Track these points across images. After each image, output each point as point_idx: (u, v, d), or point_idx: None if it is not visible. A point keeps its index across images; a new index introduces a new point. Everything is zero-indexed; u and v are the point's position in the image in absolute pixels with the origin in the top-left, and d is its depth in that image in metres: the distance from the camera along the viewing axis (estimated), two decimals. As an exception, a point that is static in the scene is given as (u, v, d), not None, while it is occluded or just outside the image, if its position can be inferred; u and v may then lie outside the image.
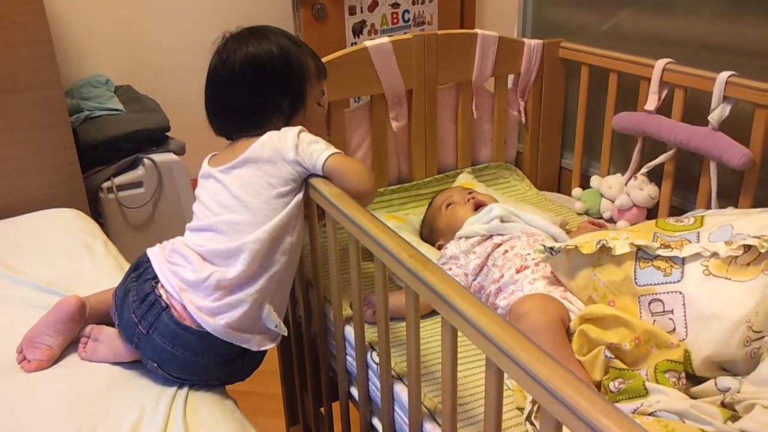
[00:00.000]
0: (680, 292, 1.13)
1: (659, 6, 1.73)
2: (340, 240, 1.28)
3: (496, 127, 1.97)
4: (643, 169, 1.74)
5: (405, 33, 2.00)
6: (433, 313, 1.40)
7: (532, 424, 1.08)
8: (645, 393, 1.04)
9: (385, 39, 1.71)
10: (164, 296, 1.22)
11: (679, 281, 1.14)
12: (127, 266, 1.59)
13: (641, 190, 1.74)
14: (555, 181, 2.10)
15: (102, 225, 1.97)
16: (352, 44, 2.74)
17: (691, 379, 1.13)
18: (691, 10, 1.67)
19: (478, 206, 1.58)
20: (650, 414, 1.00)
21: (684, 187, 1.69)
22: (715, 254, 1.13)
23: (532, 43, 1.89)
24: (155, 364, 1.22)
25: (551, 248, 1.26)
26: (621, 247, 1.19)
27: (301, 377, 1.69)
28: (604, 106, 1.83)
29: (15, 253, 1.64)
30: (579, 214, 1.88)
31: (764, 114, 1.44)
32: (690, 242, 1.18)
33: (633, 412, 1.02)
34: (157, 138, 2.22)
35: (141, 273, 1.27)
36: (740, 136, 1.48)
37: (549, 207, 1.90)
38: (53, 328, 1.29)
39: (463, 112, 1.90)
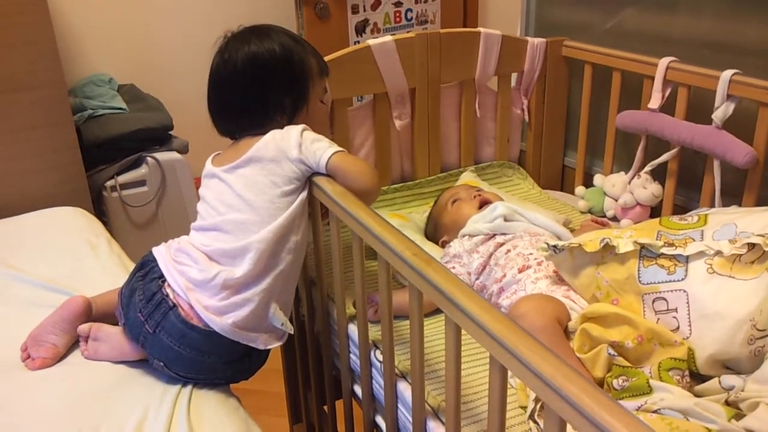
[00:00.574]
0: (684, 291, 1.13)
1: (662, 4, 1.73)
2: (343, 238, 1.28)
3: (499, 125, 1.97)
4: (647, 168, 1.73)
5: (408, 32, 2.00)
6: (436, 311, 1.40)
7: (535, 422, 1.08)
8: (649, 391, 1.04)
9: (388, 38, 1.71)
10: (171, 295, 1.22)
11: (682, 279, 1.14)
12: (130, 265, 1.59)
13: (645, 188, 1.74)
14: (558, 180, 2.10)
15: (105, 224, 1.98)
16: (354, 43, 2.74)
17: (695, 377, 1.13)
18: (694, 9, 1.66)
19: (483, 204, 1.58)
20: (654, 411, 1.00)
21: (687, 185, 1.69)
22: (719, 252, 1.13)
23: (535, 42, 1.89)
24: (162, 364, 1.22)
25: (555, 246, 1.26)
26: (624, 246, 1.19)
27: (304, 375, 1.69)
28: (608, 104, 1.83)
29: (18, 251, 1.65)
30: (582, 212, 1.88)
31: (768, 112, 1.44)
32: (694, 240, 1.18)
33: (637, 410, 1.02)
34: (160, 137, 2.22)
35: (147, 272, 1.27)
36: (744, 135, 1.48)
37: (552, 205, 1.89)
38: (59, 327, 1.29)
39: (466, 111, 1.90)
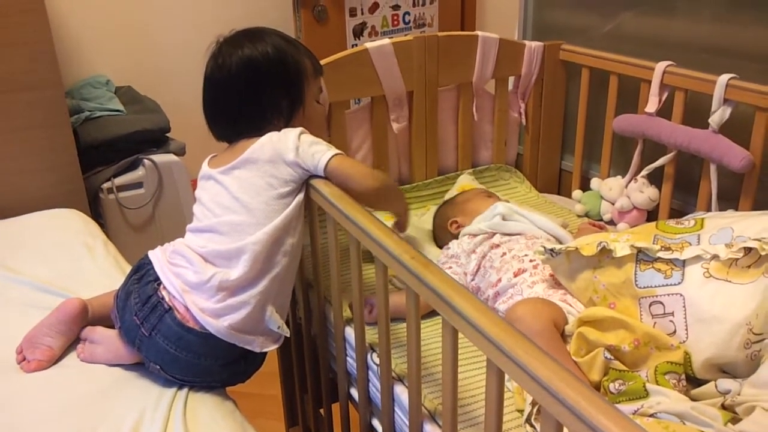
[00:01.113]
0: (681, 294, 1.14)
1: (660, 8, 1.74)
2: (340, 241, 1.28)
3: (497, 128, 1.97)
4: (644, 172, 1.74)
5: (405, 35, 2.01)
6: (432, 313, 1.40)
7: (531, 426, 1.08)
8: (645, 395, 1.04)
9: (386, 40, 1.71)
10: (167, 298, 1.22)
11: (679, 283, 1.14)
12: (127, 267, 1.59)
13: (641, 192, 1.74)
14: (555, 183, 2.10)
15: (102, 225, 1.97)
16: (352, 46, 2.74)
17: (692, 381, 1.13)
18: (691, 13, 1.67)
19: None
20: (651, 415, 1.00)
21: (684, 189, 1.70)
22: (715, 257, 1.13)
23: (532, 46, 1.90)
24: (158, 367, 1.22)
25: (551, 250, 1.26)
26: (621, 249, 1.19)
27: (300, 378, 1.69)
28: (605, 108, 1.83)
29: (15, 253, 1.64)
30: (579, 216, 1.88)
31: (764, 117, 1.44)
32: (690, 244, 1.18)
33: (633, 414, 1.02)
34: (157, 139, 2.22)
35: (143, 275, 1.27)
36: (740, 139, 1.48)
37: (549, 209, 1.90)
38: (55, 329, 1.29)
39: (464, 114, 1.90)
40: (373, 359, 1.27)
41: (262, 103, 1.30)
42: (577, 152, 1.96)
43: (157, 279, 1.24)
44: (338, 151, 1.27)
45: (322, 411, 1.60)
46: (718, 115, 1.51)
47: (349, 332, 1.35)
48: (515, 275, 1.35)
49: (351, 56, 1.68)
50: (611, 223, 1.82)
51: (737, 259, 1.11)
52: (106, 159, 2.13)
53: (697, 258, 1.14)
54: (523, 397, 1.15)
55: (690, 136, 1.57)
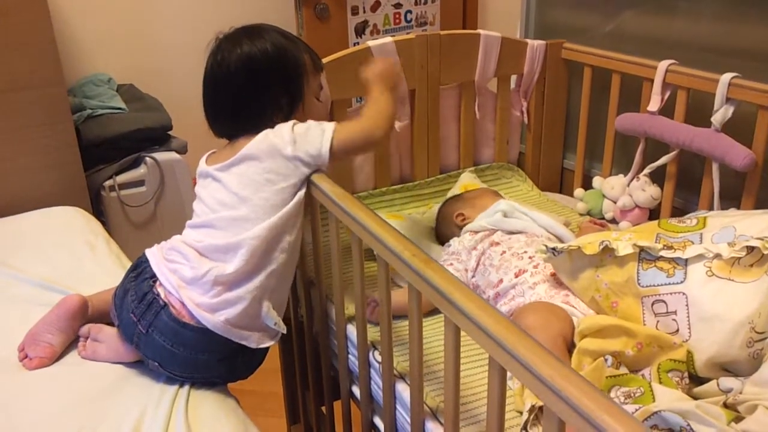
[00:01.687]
0: (683, 293, 1.13)
1: (662, 7, 1.73)
2: (342, 239, 1.28)
3: (499, 127, 1.97)
4: (646, 170, 1.74)
5: (407, 33, 2.00)
6: (434, 311, 1.40)
7: None
8: (652, 401, 1.03)
9: (388, 39, 1.71)
10: (162, 294, 1.22)
11: (682, 282, 1.14)
12: (128, 264, 1.59)
13: (643, 191, 1.74)
14: (557, 182, 2.10)
15: (104, 223, 1.98)
16: (354, 44, 2.74)
17: (694, 379, 1.13)
18: (693, 12, 1.67)
19: None
20: (654, 413, 0.99)
21: (686, 188, 1.69)
22: (718, 255, 1.13)
23: (534, 44, 1.89)
24: (156, 363, 1.22)
25: (553, 249, 1.26)
26: (624, 248, 1.19)
27: (302, 376, 1.69)
28: (607, 107, 1.83)
29: (17, 251, 1.65)
30: (581, 214, 1.88)
31: (767, 115, 1.44)
32: (693, 243, 1.18)
33: (634, 412, 1.02)
34: (159, 137, 2.22)
35: (139, 273, 1.27)
36: (743, 138, 1.48)
37: (551, 207, 1.90)
38: (55, 326, 1.29)
39: (466, 113, 1.90)
40: (375, 357, 1.27)
41: (262, 100, 1.30)
42: (579, 151, 1.96)
43: (153, 276, 1.24)
44: (333, 125, 1.26)
45: (323, 408, 1.60)
46: (721, 113, 1.51)
47: (351, 330, 1.35)
48: (516, 276, 1.35)
49: (353, 54, 1.68)
50: (613, 221, 1.82)
51: (739, 258, 1.11)
52: (108, 157, 2.13)
53: (700, 257, 1.14)
54: (523, 399, 1.15)
55: (692, 134, 1.57)
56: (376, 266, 1.11)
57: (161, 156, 2.18)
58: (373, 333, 1.30)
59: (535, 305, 1.26)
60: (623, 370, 1.12)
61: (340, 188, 1.21)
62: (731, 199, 1.55)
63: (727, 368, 1.12)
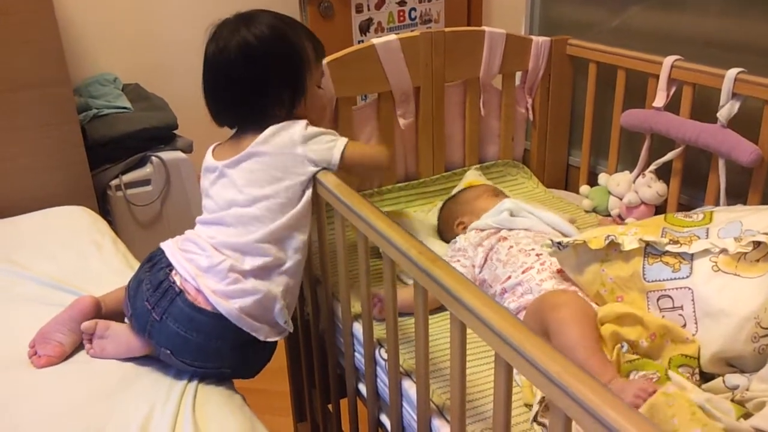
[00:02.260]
0: (689, 288, 1.13)
1: (667, 3, 1.73)
2: (348, 237, 1.28)
3: (504, 124, 1.97)
4: (652, 167, 1.73)
5: (412, 31, 2.00)
6: (440, 309, 1.40)
7: (539, 424, 1.08)
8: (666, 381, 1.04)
9: (392, 36, 1.71)
10: (178, 282, 1.23)
11: (687, 277, 1.14)
12: (135, 264, 1.60)
13: (649, 187, 1.74)
14: (562, 179, 2.09)
15: (110, 222, 1.98)
16: (358, 42, 2.74)
17: (700, 375, 1.13)
18: (699, 7, 1.66)
19: None
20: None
21: (692, 184, 1.69)
22: (724, 250, 1.13)
23: (539, 41, 1.89)
24: (168, 351, 1.23)
25: (559, 243, 1.26)
26: (629, 243, 1.18)
27: (308, 374, 1.69)
28: (612, 103, 1.83)
29: (24, 250, 1.65)
30: (587, 211, 1.88)
31: (773, 111, 1.44)
32: (699, 238, 1.17)
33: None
34: (164, 136, 2.23)
35: (155, 263, 1.29)
36: (749, 133, 1.48)
37: (556, 204, 1.89)
38: (67, 326, 1.30)
39: (471, 110, 1.90)
40: (381, 354, 1.28)
41: (264, 92, 1.30)
42: (584, 147, 1.95)
43: (168, 265, 1.26)
44: (346, 139, 1.29)
45: (330, 406, 1.61)
46: (727, 109, 1.50)
47: (357, 328, 1.35)
48: (523, 272, 1.35)
49: (357, 52, 1.68)
50: (619, 218, 1.82)
51: (746, 253, 1.11)
52: (113, 156, 2.14)
53: (706, 252, 1.14)
54: (532, 390, 1.15)
55: (698, 130, 1.56)
56: (382, 264, 1.11)
57: (167, 155, 2.18)
58: (379, 330, 1.30)
59: (558, 295, 1.22)
60: (631, 357, 1.12)
61: (345, 186, 1.22)
62: (738, 195, 1.54)
63: (733, 363, 1.12)
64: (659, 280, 1.16)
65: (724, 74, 1.49)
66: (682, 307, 1.13)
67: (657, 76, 1.66)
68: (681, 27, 1.71)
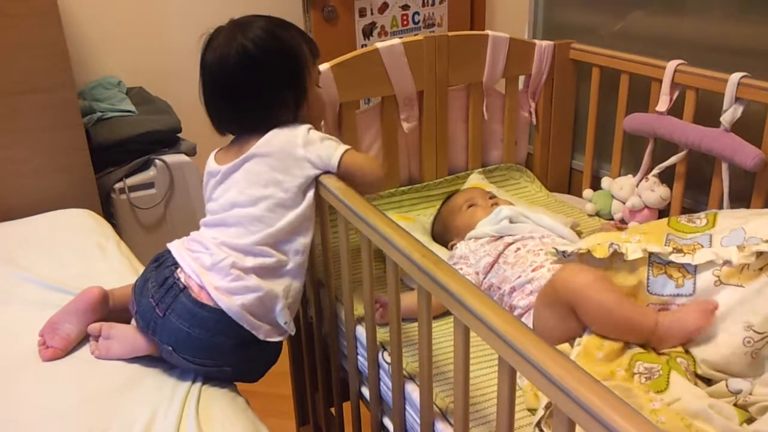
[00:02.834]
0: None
1: (670, 7, 1.73)
2: (351, 240, 1.28)
3: (507, 128, 1.97)
4: (655, 171, 1.73)
5: (415, 35, 2.01)
6: (444, 314, 1.41)
7: (541, 431, 1.08)
8: (665, 387, 1.04)
9: (396, 40, 1.71)
10: (182, 278, 1.25)
11: (690, 295, 1.14)
12: (139, 266, 1.61)
13: (653, 191, 1.74)
14: (566, 183, 2.10)
15: (114, 225, 1.99)
16: (362, 46, 2.74)
17: (702, 380, 1.13)
18: (702, 11, 1.66)
19: None
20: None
21: (696, 188, 1.69)
22: (727, 262, 1.12)
23: (542, 45, 1.89)
24: (170, 348, 1.23)
25: (563, 252, 1.26)
26: (633, 252, 1.18)
27: (311, 377, 1.69)
28: (615, 107, 1.83)
29: (28, 253, 1.66)
30: (590, 215, 1.88)
31: (777, 115, 1.44)
32: (702, 246, 1.17)
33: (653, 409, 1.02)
34: (168, 139, 2.23)
35: (161, 263, 1.30)
36: (752, 138, 1.48)
37: (560, 208, 1.89)
38: (75, 316, 1.31)
39: (474, 114, 1.90)
40: (385, 358, 1.28)
41: (267, 96, 1.30)
42: (587, 151, 1.95)
43: (174, 263, 1.27)
44: (347, 147, 1.29)
45: (333, 410, 1.61)
46: (730, 113, 1.50)
47: (360, 331, 1.35)
48: (533, 270, 1.34)
49: (361, 56, 1.68)
50: (622, 222, 1.82)
51: (749, 264, 1.11)
52: (117, 159, 2.14)
53: (710, 263, 1.14)
54: (535, 394, 1.15)
55: (701, 134, 1.56)
56: (386, 267, 1.11)
57: (171, 158, 2.19)
58: (382, 334, 1.30)
59: (562, 271, 1.21)
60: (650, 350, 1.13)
61: (349, 189, 1.22)
62: (741, 199, 1.54)
63: (727, 369, 1.11)
64: (663, 295, 1.16)
65: (728, 78, 1.49)
66: None
67: (660, 81, 1.67)
68: (684, 31, 1.71)
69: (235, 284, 1.22)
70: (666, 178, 1.73)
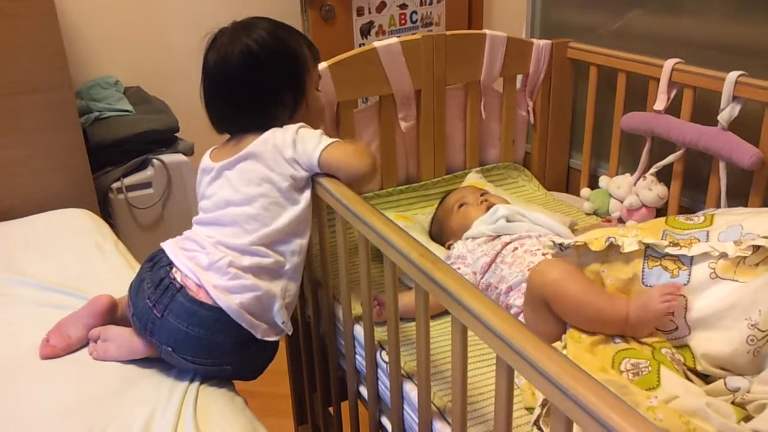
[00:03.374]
0: (684, 296, 1.13)
1: (668, 6, 1.73)
2: (349, 239, 1.28)
3: (505, 127, 1.97)
4: (652, 169, 1.73)
5: (413, 34, 2.00)
6: (441, 314, 1.41)
7: (539, 429, 1.08)
8: (657, 384, 1.04)
9: (393, 39, 1.71)
10: (179, 278, 1.24)
11: (685, 285, 1.14)
12: (137, 266, 1.60)
13: (650, 190, 1.74)
14: (563, 182, 2.10)
15: (112, 225, 1.98)
16: (359, 45, 2.74)
17: (700, 376, 1.13)
18: (699, 10, 1.66)
19: (490, 209, 1.58)
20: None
21: (693, 187, 1.69)
22: (723, 255, 1.12)
23: (540, 44, 1.89)
24: (169, 349, 1.23)
25: (560, 244, 1.26)
26: (629, 245, 1.18)
27: (309, 377, 1.69)
28: (613, 106, 1.83)
29: (25, 253, 1.65)
30: (588, 214, 1.88)
31: (774, 113, 1.44)
32: (699, 241, 1.17)
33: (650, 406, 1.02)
34: (166, 139, 2.23)
35: (155, 263, 1.30)
36: (750, 136, 1.48)
37: (557, 207, 1.89)
38: (82, 321, 1.32)
39: (472, 113, 1.90)
40: (383, 357, 1.28)
41: (268, 96, 1.31)
42: (585, 150, 1.96)
43: (169, 263, 1.27)
44: (330, 141, 1.26)
45: (331, 409, 1.61)
46: (727, 112, 1.50)
47: (358, 330, 1.35)
48: (529, 269, 1.34)
49: (359, 55, 1.68)
50: (620, 221, 1.82)
51: (745, 257, 1.11)
52: (115, 159, 2.14)
53: (705, 255, 1.14)
54: (532, 393, 1.15)
55: (699, 133, 1.57)
56: (383, 266, 1.11)
57: (168, 158, 2.18)
58: (380, 333, 1.30)
59: (535, 267, 1.23)
60: (633, 344, 1.13)
61: (346, 189, 1.22)
62: (738, 197, 1.54)
63: (728, 366, 1.11)
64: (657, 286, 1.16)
65: (725, 77, 1.49)
66: (673, 313, 1.13)
67: (658, 79, 1.67)
68: (681, 30, 1.71)
69: (233, 283, 1.22)
70: (663, 176, 1.73)
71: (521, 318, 1.29)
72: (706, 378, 1.13)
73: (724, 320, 1.09)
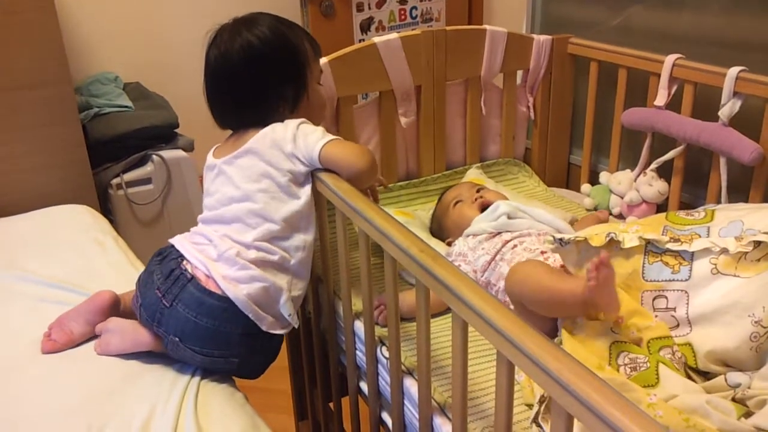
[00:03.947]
0: (685, 291, 1.13)
1: (669, 1, 1.73)
2: (349, 235, 1.28)
3: (505, 123, 1.97)
4: (653, 165, 1.73)
5: (413, 29, 2.00)
6: (442, 312, 1.41)
7: (539, 426, 1.08)
8: (656, 382, 1.04)
9: (394, 35, 1.71)
10: (189, 269, 1.25)
11: (686, 280, 1.14)
12: (137, 262, 1.61)
13: (651, 186, 1.74)
14: (564, 177, 2.09)
15: (111, 221, 1.98)
16: (359, 41, 2.74)
17: (700, 373, 1.13)
18: (700, 5, 1.66)
19: (484, 207, 1.58)
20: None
21: (694, 182, 1.69)
22: (724, 250, 1.12)
23: (541, 39, 1.89)
24: (177, 339, 1.23)
25: (560, 239, 1.26)
26: (630, 240, 1.18)
27: (310, 373, 1.69)
28: (613, 101, 1.83)
29: (25, 249, 1.66)
30: (588, 210, 1.88)
31: (775, 109, 1.44)
32: (700, 236, 1.17)
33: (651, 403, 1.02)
34: (165, 135, 2.23)
35: (165, 256, 1.30)
36: (750, 132, 1.48)
37: (558, 203, 1.89)
38: (84, 316, 1.32)
39: (472, 108, 1.90)
40: (383, 353, 1.28)
41: (267, 93, 1.31)
42: (585, 146, 1.95)
43: (180, 256, 1.27)
44: (330, 138, 1.26)
45: (331, 405, 1.61)
46: (728, 107, 1.50)
47: (359, 326, 1.35)
48: None
49: (359, 51, 1.68)
50: (620, 216, 1.82)
51: (746, 253, 1.11)
52: (115, 155, 2.14)
53: (706, 251, 1.14)
54: (532, 389, 1.15)
55: (699, 129, 1.56)
56: (384, 262, 1.11)
57: (168, 154, 2.19)
58: (380, 329, 1.30)
59: (515, 265, 1.25)
60: (623, 339, 1.12)
61: (347, 184, 1.22)
62: (739, 193, 1.54)
63: (730, 363, 1.11)
64: (658, 281, 1.16)
65: (726, 73, 1.49)
66: (675, 309, 1.13)
67: (658, 75, 1.66)
68: (682, 25, 1.71)
69: (241, 273, 1.23)
70: (664, 172, 1.73)
71: (520, 314, 1.29)
72: (706, 375, 1.13)
73: (726, 316, 1.09)
